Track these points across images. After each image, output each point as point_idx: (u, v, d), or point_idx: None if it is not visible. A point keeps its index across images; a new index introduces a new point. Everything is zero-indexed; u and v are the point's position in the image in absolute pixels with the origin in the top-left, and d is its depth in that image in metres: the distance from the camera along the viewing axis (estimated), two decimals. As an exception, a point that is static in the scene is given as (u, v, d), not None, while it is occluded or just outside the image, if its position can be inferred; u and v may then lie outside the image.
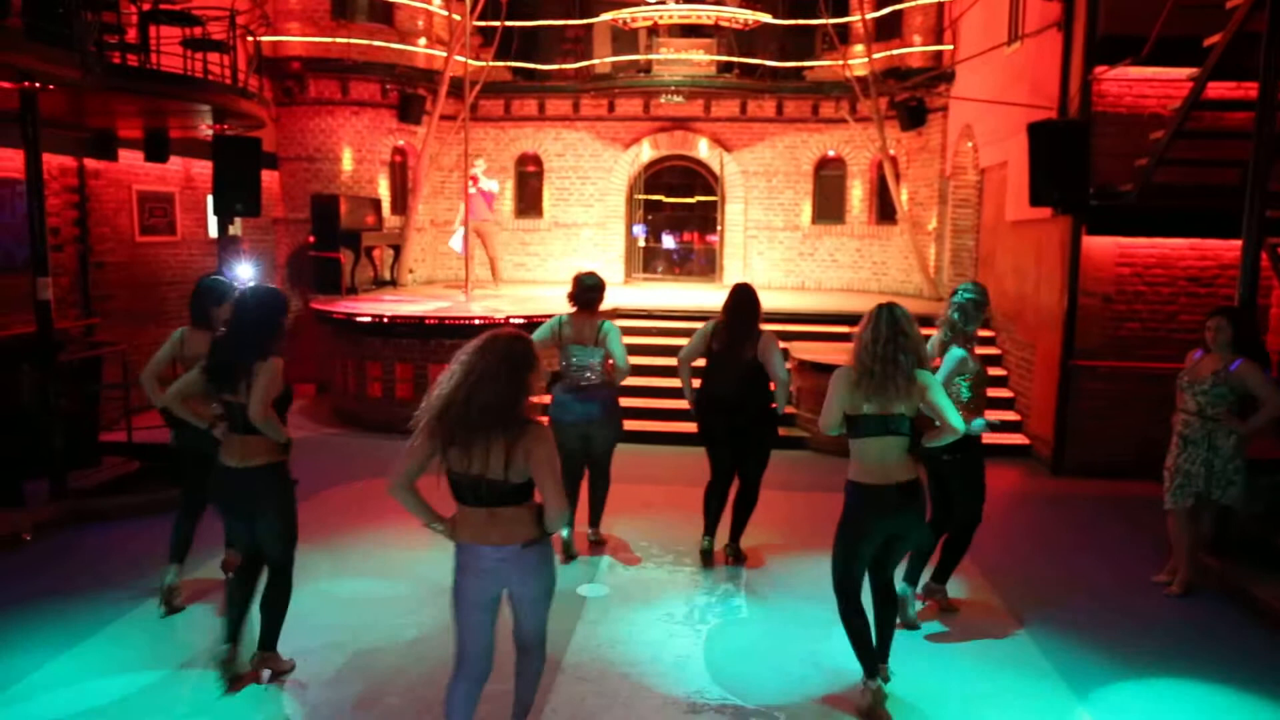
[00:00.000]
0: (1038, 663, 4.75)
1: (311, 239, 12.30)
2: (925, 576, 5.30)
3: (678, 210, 15.21)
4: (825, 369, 4.08)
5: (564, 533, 6.05)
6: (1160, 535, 5.90)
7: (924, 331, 5.43)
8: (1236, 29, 6.11)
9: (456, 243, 12.84)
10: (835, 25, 13.23)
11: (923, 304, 11.66)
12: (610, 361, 5.91)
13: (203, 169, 10.46)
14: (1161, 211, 7.75)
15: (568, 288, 6.08)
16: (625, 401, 6.27)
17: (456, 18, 12.62)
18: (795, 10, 13.97)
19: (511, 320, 9.33)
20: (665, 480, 7.77)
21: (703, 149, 14.62)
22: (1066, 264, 8.32)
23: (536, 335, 5.58)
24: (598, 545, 6.25)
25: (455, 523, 3.35)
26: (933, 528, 5.21)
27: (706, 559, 6.01)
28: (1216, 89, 6.97)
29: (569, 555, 6.00)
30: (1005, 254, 10.37)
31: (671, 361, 6.61)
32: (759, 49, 14.07)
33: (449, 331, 9.44)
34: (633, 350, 6.20)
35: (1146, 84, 7.96)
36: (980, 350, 5.24)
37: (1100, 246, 8.23)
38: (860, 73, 12.90)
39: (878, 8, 13.11)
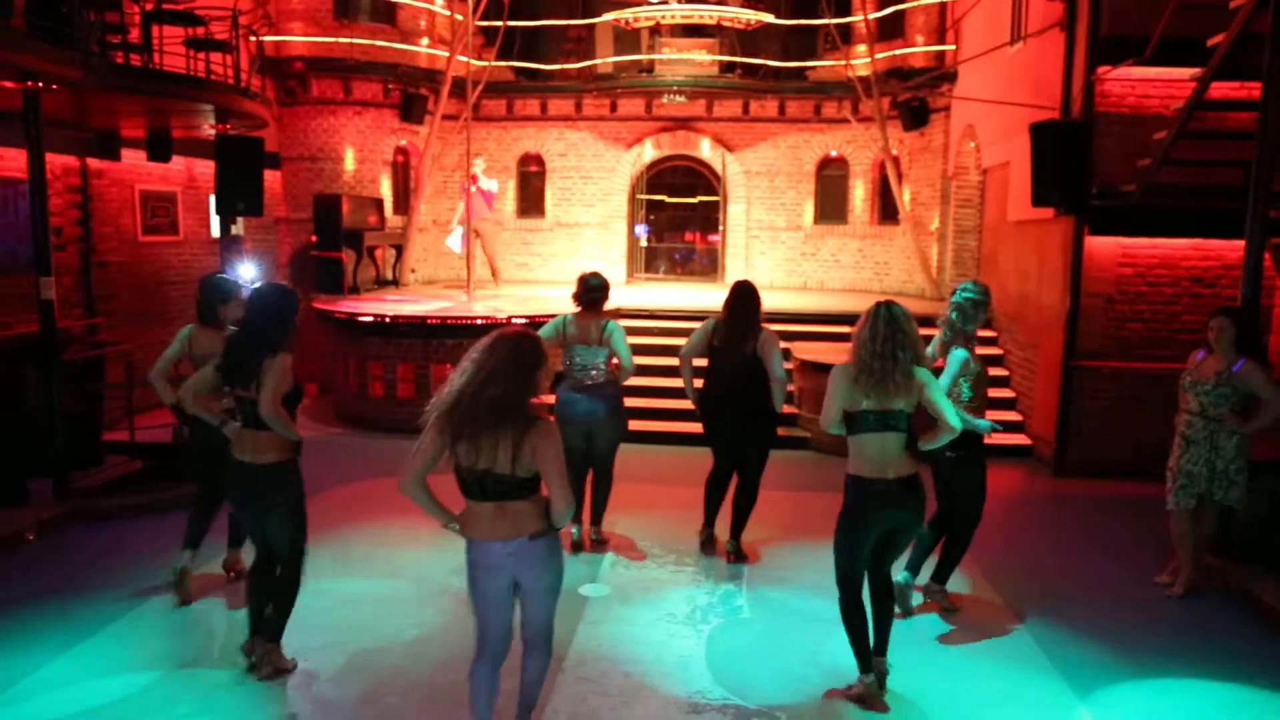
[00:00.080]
0: (1038, 661, 4.75)
1: (314, 239, 12.32)
2: (926, 572, 5.31)
3: (680, 210, 15.21)
4: (827, 369, 4.07)
5: (574, 531, 6.10)
6: (1162, 535, 5.89)
7: (926, 332, 5.44)
8: (1240, 29, 6.10)
9: (454, 242, 12.84)
10: (837, 25, 13.22)
11: (925, 304, 11.65)
12: (615, 361, 5.95)
13: (205, 169, 10.47)
14: (1164, 212, 7.74)
15: (571, 288, 6.14)
16: (627, 401, 6.30)
17: (459, 18, 12.63)
18: (797, 10, 13.97)
19: (514, 320, 9.33)
20: (667, 480, 7.77)
21: (705, 149, 14.61)
22: (1069, 264, 8.31)
23: (541, 334, 5.60)
24: (599, 544, 6.26)
25: (464, 519, 3.41)
26: (935, 525, 5.24)
27: (706, 548, 6.11)
28: (1220, 89, 6.97)
29: (577, 548, 6.05)
30: (1007, 254, 10.36)
31: (673, 361, 6.63)
32: (761, 49, 14.07)
33: (451, 331, 9.45)
34: (635, 350, 6.23)
35: (1149, 84, 7.95)
36: (982, 351, 5.24)
37: (1103, 247, 8.22)
38: (863, 73, 12.89)
39: (880, 8, 13.10)
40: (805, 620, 5.13)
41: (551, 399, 6.22)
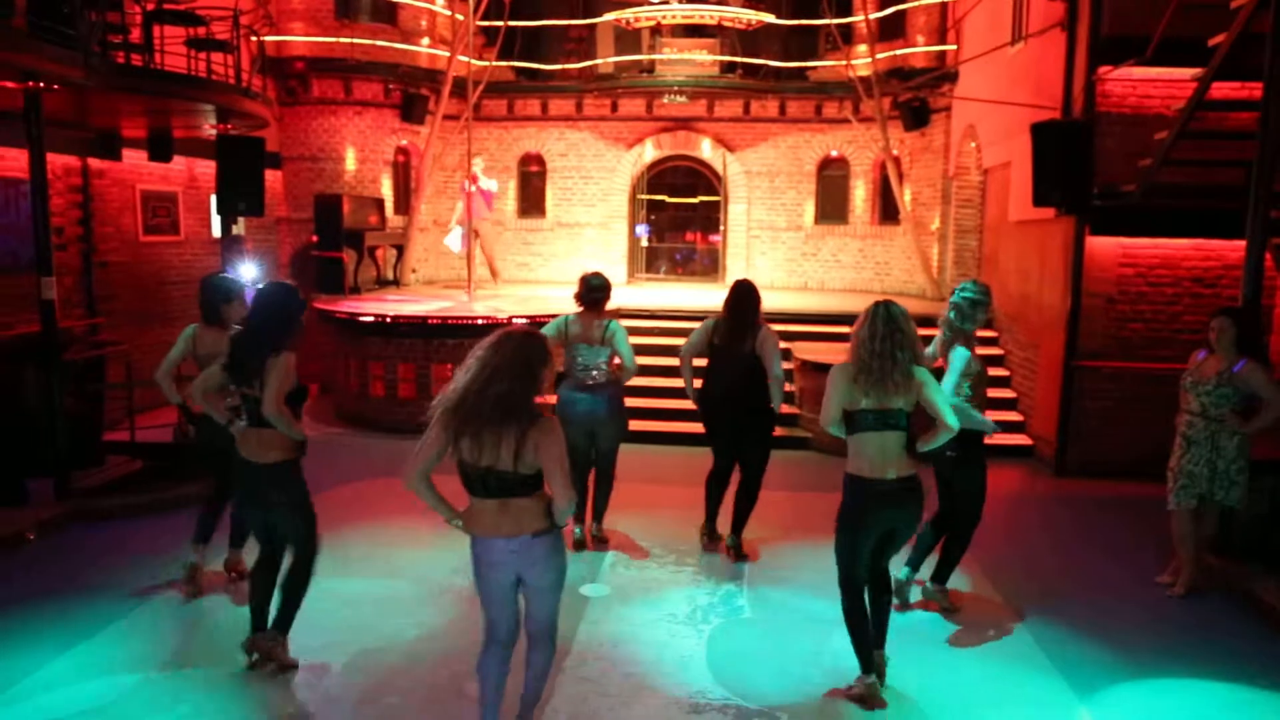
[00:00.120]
0: (1039, 661, 4.75)
1: (314, 239, 12.32)
2: (925, 570, 5.32)
3: (681, 210, 15.21)
4: (828, 369, 4.09)
5: (576, 530, 6.13)
6: (1163, 536, 5.88)
7: (927, 333, 5.44)
8: (1241, 29, 6.10)
9: (452, 241, 12.83)
10: (838, 25, 13.21)
11: (926, 304, 11.65)
12: (616, 361, 5.97)
13: (206, 169, 10.48)
14: (1165, 212, 7.74)
15: (571, 288, 6.16)
16: (628, 401, 6.33)
17: (460, 18, 12.62)
18: (798, 10, 13.97)
19: (515, 320, 9.33)
20: (668, 480, 7.77)
21: (706, 149, 14.61)
22: (1070, 264, 8.30)
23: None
24: (601, 543, 6.28)
25: (468, 515, 3.44)
26: (936, 523, 5.25)
27: (706, 547, 6.16)
28: (1221, 89, 6.96)
29: (579, 546, 6.08)
30: (1008, 254, 10.36)
31: (674, 362, 6.66)
32: (762, 49, 14.07)
33: (452, 331, 9.45)
34: (636, 350, 6.24)
35: (1150, 84, 7.95)
36: (983, 351, 5.25)
37: (1103, 247, 8.21)
38: (863, 73, 12.89)
39: (881, 8, 13.10)
40: (806, 620, 5.13)
41: (553, 399, 6.23)
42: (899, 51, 13.06)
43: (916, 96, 12.93)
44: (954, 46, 12.51)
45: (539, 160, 14.96)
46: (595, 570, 5.86)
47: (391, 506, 6.89)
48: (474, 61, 12.20)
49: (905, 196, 13.21)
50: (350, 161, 13.05)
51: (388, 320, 9.68)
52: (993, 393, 5.44)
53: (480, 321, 9.50)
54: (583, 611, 5.21)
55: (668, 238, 15.43)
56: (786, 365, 9.35)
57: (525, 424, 3.27)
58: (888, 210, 13.95)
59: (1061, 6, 8.49)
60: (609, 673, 4.52)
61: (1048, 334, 8.85)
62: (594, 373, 5.97)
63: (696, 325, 6.22)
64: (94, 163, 9.49)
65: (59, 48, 6.27)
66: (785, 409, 9.11)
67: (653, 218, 15.17)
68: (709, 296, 11.74)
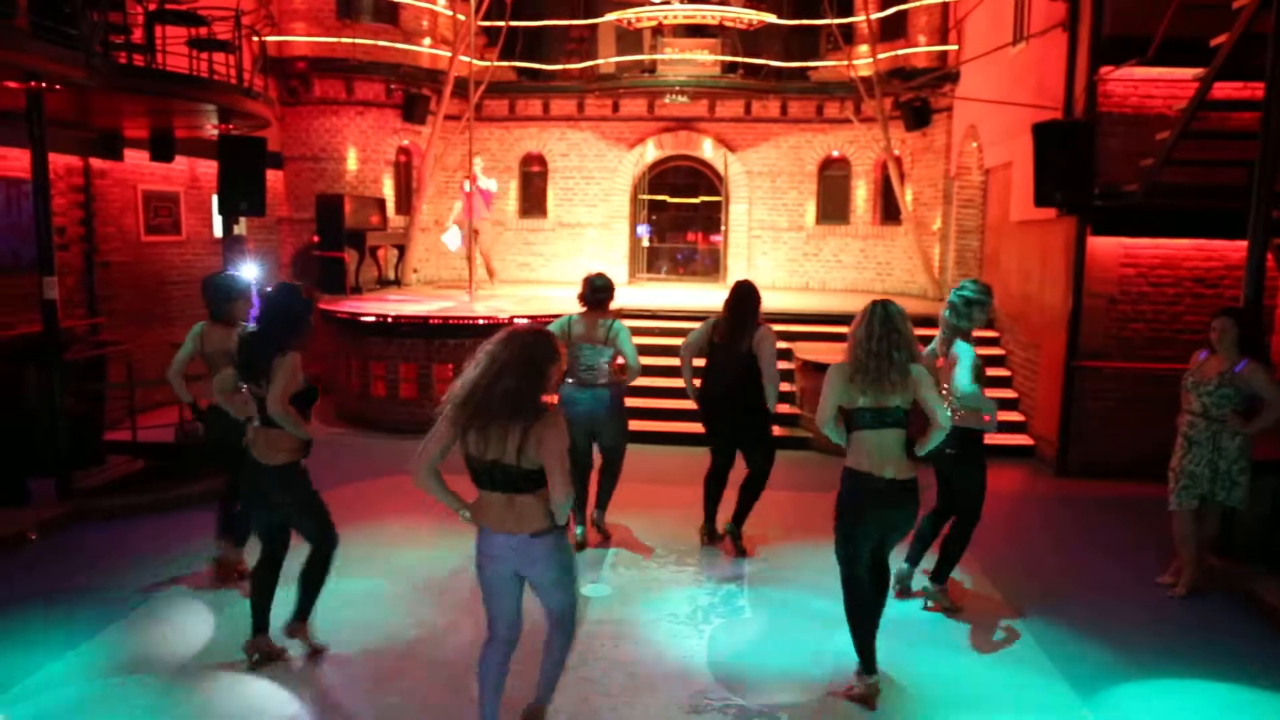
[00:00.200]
0: (1039, 661, 4.75)
1: (316, 239, 12.33)
2: (927, 560, 5.33)
3: (682, 210, 15.21)
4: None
5: (578, 531, 6.15)
6: (1164, 536, 5.88)
7: (926, 333, 5.44)
8: (1243, 29, 6.09)
9: (449, 239, 12.82)
10: (840, 25, 13.21)
11: (927, 305, 11.64)
12: (619, 361, 6.00)
13: (208, 169, 10.48)
14: (1167, 212, 7.73)
15: (573, 288, 6.19)
16: (629, 401, 6.37)
17: (461, 18, 12.63)
18: (800, 10, 13.97)
19: (516, 320, 9.33)
20: (669, 480, 7.77)
21: (707, 149, 14.61)
22: (1071, 264, 8.30)
23: None
24: (604, 536, 6.33)
25: (476, 508, 3.51)
26: (934, 517, 5.28)
27: (706, 541, 6.22)
28: (1222, 89, 6.95)
29: (580, 546, 6.10)
30: (1010, 254, 10.36)
31: (674, 362, 6.69)
32: (763, 49, 14.07)
33: (453, 331, 9.45)
34: (636, 350, 6.24)
35: (1152, 84, 7.94)
36: (983, 351, 5.26)
37: (1105, 247, 8.21)
38: (865, 73, 12.88)
39: (882, 8, 13.09)
40: (807, 620, 5.13)
41: (554, 398, 6.24)
42: (900, 51, 13.06)
43: (918, 96, 12.93)
44: (955, 46, 12.50)
45: (540, 160, 14.96)
46: (596, 570, 5.86)
47: (392, 506, 6.89)
48: (475, 62, 12.21)
49: (907, 197, 13.21)
50: (352, 161, 13.06)
51: (389, 320, 9.69)
52: (994, 393, 5.45)
53: (481, 321, 9.49)
54: (583, 611, 5.20)
55: (669, 238, 15.43)
56: (787, 365, 9.40)
57: (530, 420, 3.32)
58: (889, 210, 13.95)
59: (1063, 7, 8.49)
60: (610, 672, 4.52)
61: (1049, 334, 8.84)
62: (596, 372, 5.99)
63: (697, 325, 6.25)
64: (96, 163, 9.49)
65: (61, 48, 6.28)
66: (787, 409, 9.21)
67: (654, 218, 15.17)
68: (710, 297, 11.73)
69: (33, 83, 6.42)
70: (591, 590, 5.54)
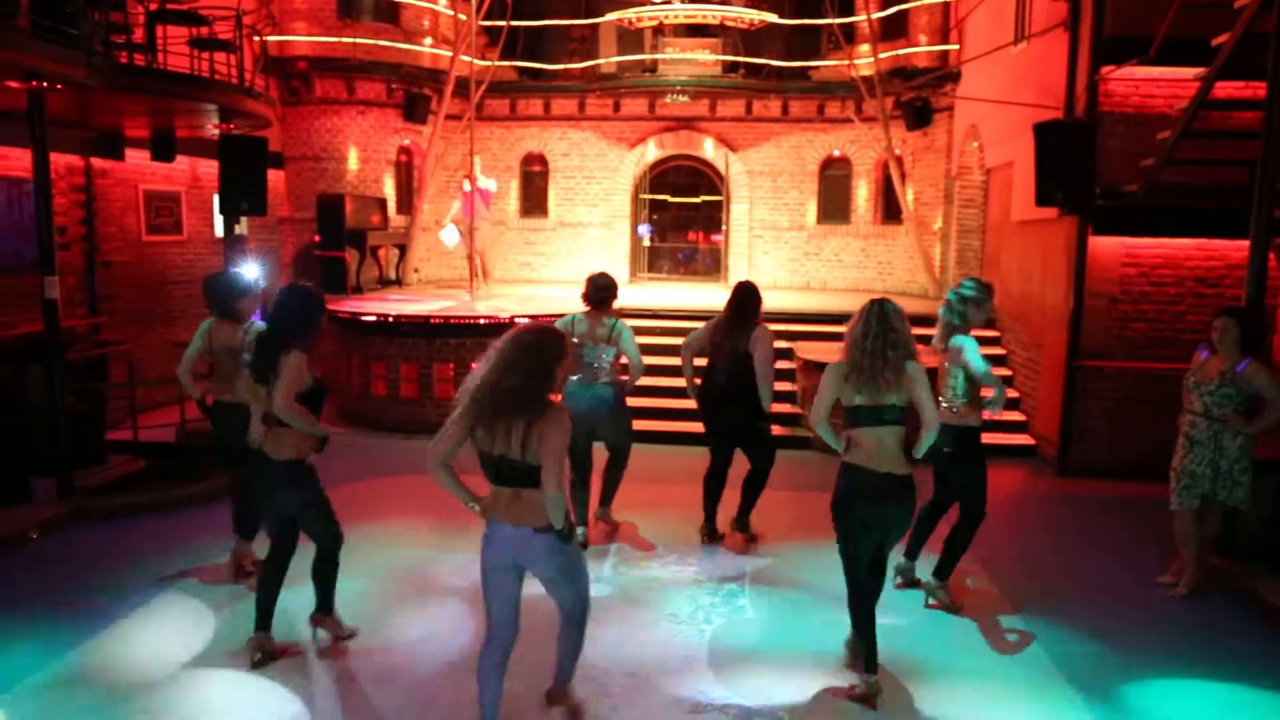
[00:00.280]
0: (1040, 660, 4.74)
1: (317, 238, 12.34)
2: (924, 560, 5.33)
3: (683, 210, 15.21)
4: (830, 369, 4.23)
5: (580, 531, 6.14)
6: (1166, 536, 5.87)
7: (927, 332, 5.43)
8: (1244, 28, 6.08)
9: (447, 236, 12.81)
10: (841, 25, 13.21)
11: (928, 304, 11.62)
12: (622, 360, 6.03)
13: (209, 168, 10.49)
14: (1168, 211, 7.72)
15: (574, 287, 6.23)
16: (630, 401, 6.40)
17: (462, 17, 12.63)
18: (801, 10, 13.96)
19: (517, 319, 9.33)
20: (670, 480, 7.76)
21: (708, 149, 14.61)
22: (1072, 264, 8.29)
23: None
24: (611, 527, 6.40)
25: (487, 500, 3.58)
26: (933, 509, 5.31)
27: (706, 540, 6.28)
28: (1224, 88, 6.94)
29: (582, 546, 6.09)
30: (1011, 254, 10.35)
31: (675, 361, 6.70)
32: (764, 49, 14.06)
33: (454, 331, 9.45)
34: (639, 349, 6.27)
35: (1153, 84, 7.93)
36: (985, 350, 5.24)
37: (1106, 247, 8.20)
38: (866, 72, 12.88)
39: (883, 7, 13.09)
40: (808, 618, 5.13)
41: (556, 398, 6.26)
42: (901, 51, 13.06)
43: (919, 96, 12.92)
44: (956, 46, 12.50)
45: (541, 160, 14.96)
46: (597, 570, 5.84)
47: (392, 506, 6.89)
48: (476, 61, 12.22)
49: (908, 196, 13.20)
50: (353, 161, 13.06)
51: (390, 320, 9.68)
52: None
53: (483, 321, 9.49)
54: (584, 611, 5.20)
55: (670, 237, 15.43)
56: (788, 364, 9.40)
57: (536, 416, 3.39)
58: (890, 210, 13.94)
59: (1064, 6, 8.48)
60: (610, 672, 4.51)
61: (1050, 334, 8.84)
62: (599, 371, 6.02)
63: (698, 325, 6.29)
64: (97, 162, 9.50)
65: (62, 47, 6.28)
66: (788, 409, 9.21)
67: (655, 217, 15.17)
68: (711, 296, 11.73)
69: (34, 82, 6.42)
70: (592, 591, 5.52)
